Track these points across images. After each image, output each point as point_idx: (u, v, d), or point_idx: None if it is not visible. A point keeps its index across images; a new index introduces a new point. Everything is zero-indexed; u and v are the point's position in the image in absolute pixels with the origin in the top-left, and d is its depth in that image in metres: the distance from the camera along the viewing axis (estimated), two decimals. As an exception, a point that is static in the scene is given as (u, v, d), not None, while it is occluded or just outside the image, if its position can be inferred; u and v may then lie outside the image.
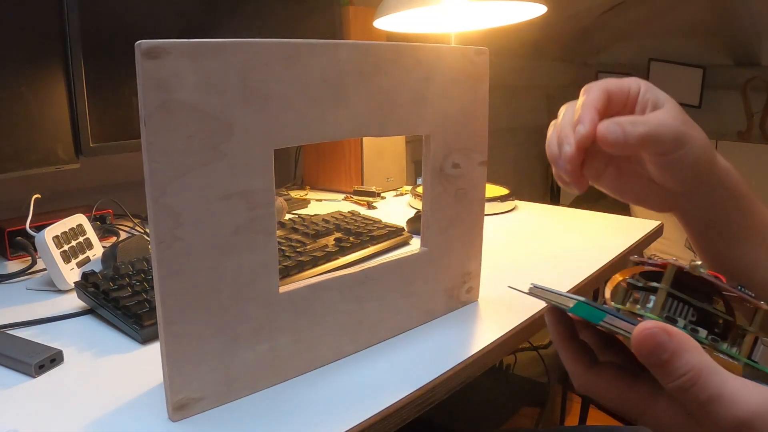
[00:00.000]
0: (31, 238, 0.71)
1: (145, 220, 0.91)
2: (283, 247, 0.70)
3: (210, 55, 0.37)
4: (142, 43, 0.35)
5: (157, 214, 0.37)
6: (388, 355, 0.50)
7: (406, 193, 1.20)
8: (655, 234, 0.90)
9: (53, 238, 0.65)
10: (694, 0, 2.34)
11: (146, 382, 0.45)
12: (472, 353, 0.50)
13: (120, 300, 0.54)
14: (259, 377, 0.44)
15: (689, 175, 0.39)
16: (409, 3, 0.92)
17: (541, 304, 0.60)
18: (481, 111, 0.56)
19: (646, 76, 2.68)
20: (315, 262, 0.68)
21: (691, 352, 0.27)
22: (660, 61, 2.66)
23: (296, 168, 1.35)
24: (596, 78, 2.89)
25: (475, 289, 0.61)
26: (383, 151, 1.21)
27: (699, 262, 0.31)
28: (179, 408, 0.40)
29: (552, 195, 2.96)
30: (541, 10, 0.95)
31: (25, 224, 0.73)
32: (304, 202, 1.10)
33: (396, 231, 0.80)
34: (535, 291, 0.35)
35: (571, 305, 0.31)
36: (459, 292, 0.59)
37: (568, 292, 0.33)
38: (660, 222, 0.93)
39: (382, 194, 1.17)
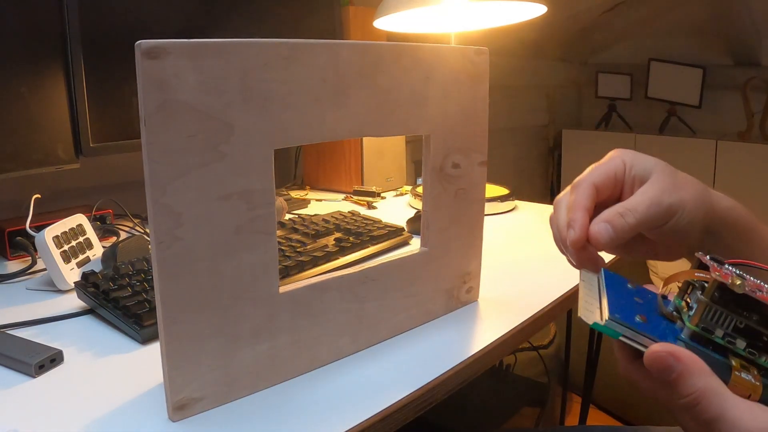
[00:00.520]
0: (31, 238, 0.70)
1: (145, 220, 0.91)
2: (283, 247, 0.70)
3: (210, 55, 0.37)
4: (142, 43, 0.35)
5: (157, 214, 0.37)
6: (388, 355, 0.50)
7: (406, 193, 1.20)
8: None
9: (53, 238, 0.65)
10: (694, 0, 2.34)
11: (146, 382, 0.45)
12: (472, 353, 0.50)
13: (120, 300, 0.54)
14: (259, 377, 0.44)
15: (687, 233, 0.40)
16: (409, 3, 0.92)
17: (540, 304, 0.60)
18: (481, 111, 0.56)
19: (646, 76, 2.68)
20: (315, 262, 0.68)
21: (697, 375, 0.29)
22: (660, 61, 2.66)
23: (296, 168, 1.35)
24: (596, 78, 2.91)
25: (475, 289, 0.61)
26: (383, 151, 1.21)
27: (739, 282, 0.31)
28: (179, 408, 0.40)
29: (552, 195, 2.97)
30: (541, 10, 0.95)
31: (25, 224, 0.73)
32: (304, 202, 1.10)
33: (396, 231, 0.80)
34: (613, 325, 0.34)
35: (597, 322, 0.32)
36: (459, 292, 0.59)
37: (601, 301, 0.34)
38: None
39: (382, 194, 1.17)
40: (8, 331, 0.53)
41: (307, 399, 0.43)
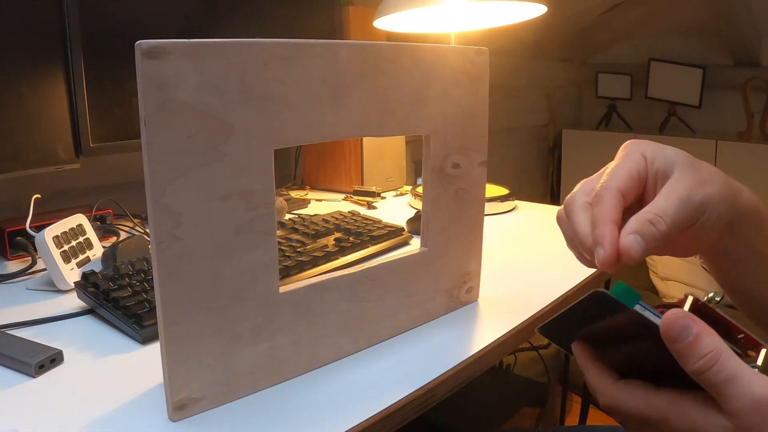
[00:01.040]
0: (31, 238, 0.70)
1: (145, 220, 0.91)
2: (283, 247, 0.70)
3: (210, 55, 0.37)
4: (142, 43, 0.35)
5: (157, 214, 0.37)
6: (388, 355, 0.50)
7: (406, 193, 1.20)
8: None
9: (53, 238, 0.65)
10: (694, 0, 2.34)
11: (146, 382, 0.45)
12: (472, 353, 0.50)
13: (120, 300, 0.54)
14: (259, 377, 0.44)
15: (712, 230, 0.37)
16: (409, 3, 0.92)
17: (540, 304, 0.60)
18: (481, 111, 0.56)
19: (646, 76, 2.68)
20: (315, 262, 0.68)
21: (712, 335, 0.30)
22: (660, 61, 2.66)
23: (296, 168, 1.35)
24: (596, 78, 2.90)
25: (475, 289, 0.61)
26: (383, 151, 1.21)
27: (714, 297, 0.32)
28: (179, 408, 0.40)
29: (552, 195, 2.97)
30: (541, 10, 0.95)
31: (25, 224, 0.73)
32: (304, 202, 1.10)
33: (396, 231, 0.80)
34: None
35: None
36: (459, 292, 0.59)
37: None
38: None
39: (382, 194, 1.17)
40: (8, 331, 0.53)
41: (307, 399, 0.43)
